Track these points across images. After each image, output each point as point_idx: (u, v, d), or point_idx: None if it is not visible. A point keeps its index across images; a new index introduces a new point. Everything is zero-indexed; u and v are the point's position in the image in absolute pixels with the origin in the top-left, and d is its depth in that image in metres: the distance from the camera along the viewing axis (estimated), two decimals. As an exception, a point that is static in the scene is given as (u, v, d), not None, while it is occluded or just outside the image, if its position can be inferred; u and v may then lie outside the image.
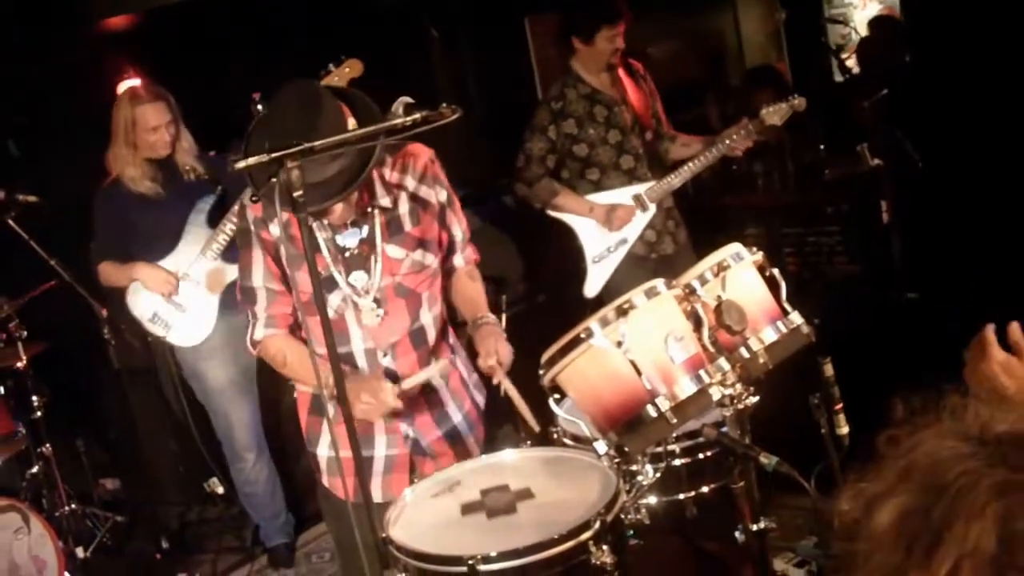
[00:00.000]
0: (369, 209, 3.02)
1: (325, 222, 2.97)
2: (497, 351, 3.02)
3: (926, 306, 4.95)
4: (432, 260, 3.16)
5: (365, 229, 3.04)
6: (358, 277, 3.05)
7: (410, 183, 3.11)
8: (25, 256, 5.06)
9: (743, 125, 5.00)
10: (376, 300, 3.06)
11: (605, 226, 5.13)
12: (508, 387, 3.01)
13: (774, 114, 4.94)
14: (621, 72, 5.22)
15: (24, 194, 5.10)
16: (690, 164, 5.10)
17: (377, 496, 3.08)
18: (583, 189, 5.19)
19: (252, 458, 5.24)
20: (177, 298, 4.90)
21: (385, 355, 3.12)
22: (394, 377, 3.07)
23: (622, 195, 5.15)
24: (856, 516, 1.22)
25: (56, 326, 5.46)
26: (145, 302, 4.95)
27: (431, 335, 3.21)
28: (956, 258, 5.13)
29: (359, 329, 3.08)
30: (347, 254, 3.04)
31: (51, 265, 5.08)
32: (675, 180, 5.13)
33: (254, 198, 2.75)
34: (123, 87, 5.12)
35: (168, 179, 4.92)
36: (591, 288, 5.20)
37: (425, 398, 3.22)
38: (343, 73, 3.97)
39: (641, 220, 5.15)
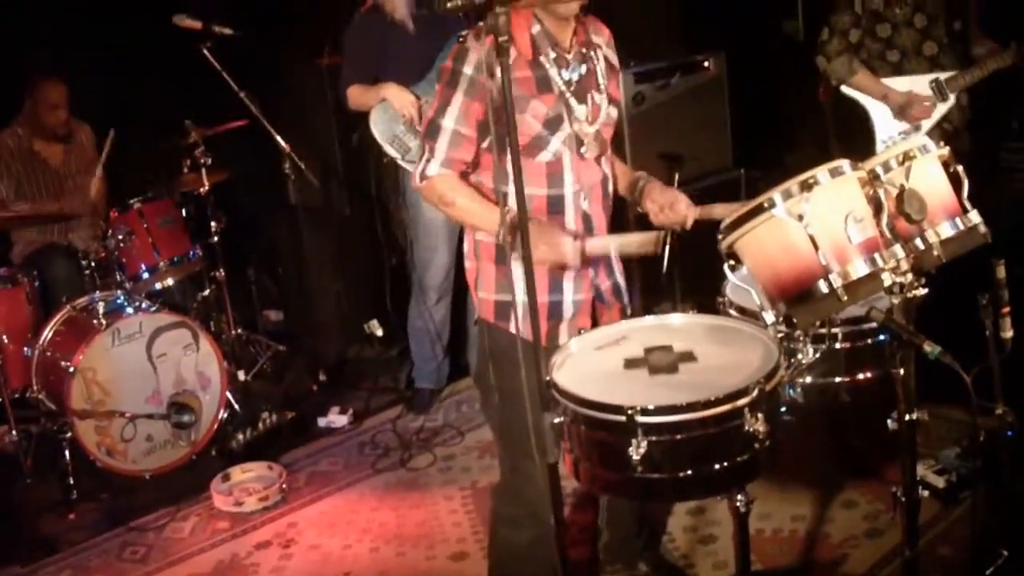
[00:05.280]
0: (584, 50, 3.14)
1: (552, 55, 3.04)
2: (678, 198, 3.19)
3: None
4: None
5: (584, 68, 3.14)
6: (582, 111, 3.13)
7: (603, 45, 3.25)
8: (216, 87, 5.24)
9: None
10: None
11: (899, 116, 5.03)
12: (706, 211, 3.11)
13: None
14: None
15: (220, 26, 5.28)
16: (991, 62, 4.93)
17: (565, 339, 3.12)
18: (882, 71, 5.07)
19: (435, 298, 5.39)
20: (418, 125, 4.94)
21: (585, 199, 3.19)
22: (588, 222, 3.19)
23: (920, 82, 5.01)
24: None
25: (239, 158, 5.67)
26: (387, 123, 5.05)
27: (610, 187, 3.30)
28: None
29: (571, 173, 3.14)
30: (572, 88, 3.11)
31: (240, 97, 5.26)
32: (978, 73, 4.96)
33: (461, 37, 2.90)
34: None
35: (425, 10, 5.02)
36: None
37: None
38: None
39: (938, 110, 5.02)
